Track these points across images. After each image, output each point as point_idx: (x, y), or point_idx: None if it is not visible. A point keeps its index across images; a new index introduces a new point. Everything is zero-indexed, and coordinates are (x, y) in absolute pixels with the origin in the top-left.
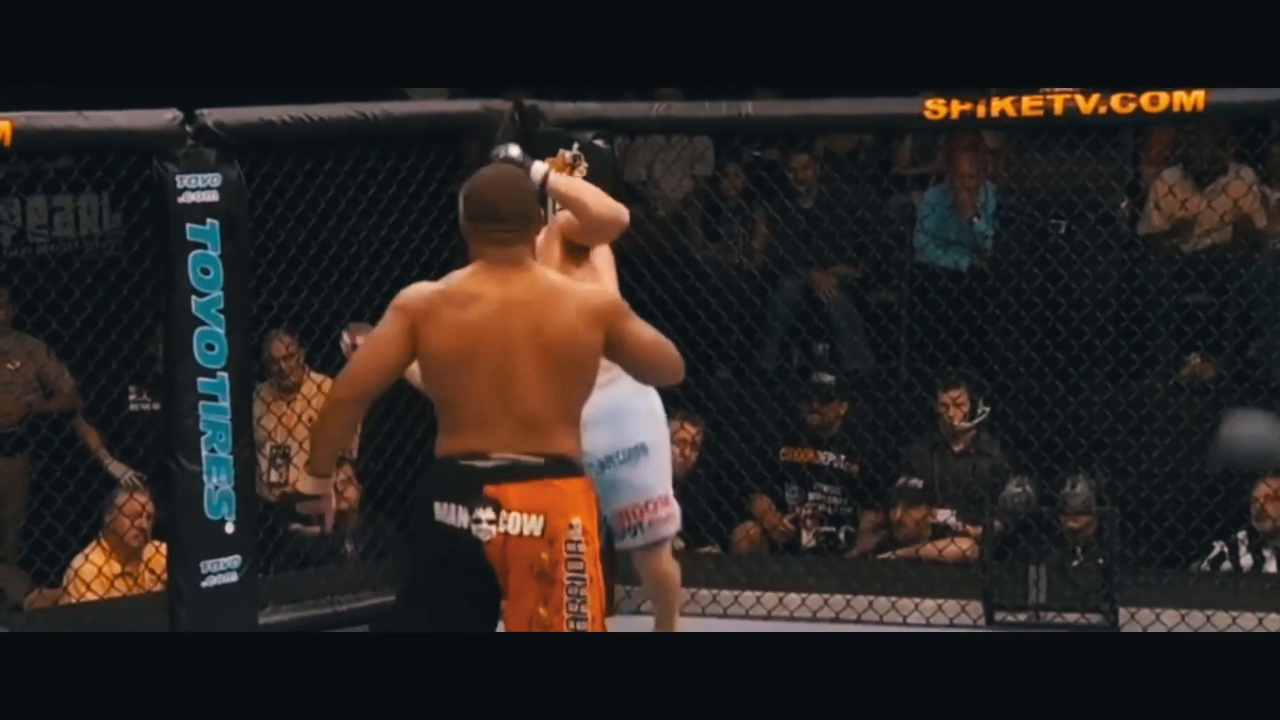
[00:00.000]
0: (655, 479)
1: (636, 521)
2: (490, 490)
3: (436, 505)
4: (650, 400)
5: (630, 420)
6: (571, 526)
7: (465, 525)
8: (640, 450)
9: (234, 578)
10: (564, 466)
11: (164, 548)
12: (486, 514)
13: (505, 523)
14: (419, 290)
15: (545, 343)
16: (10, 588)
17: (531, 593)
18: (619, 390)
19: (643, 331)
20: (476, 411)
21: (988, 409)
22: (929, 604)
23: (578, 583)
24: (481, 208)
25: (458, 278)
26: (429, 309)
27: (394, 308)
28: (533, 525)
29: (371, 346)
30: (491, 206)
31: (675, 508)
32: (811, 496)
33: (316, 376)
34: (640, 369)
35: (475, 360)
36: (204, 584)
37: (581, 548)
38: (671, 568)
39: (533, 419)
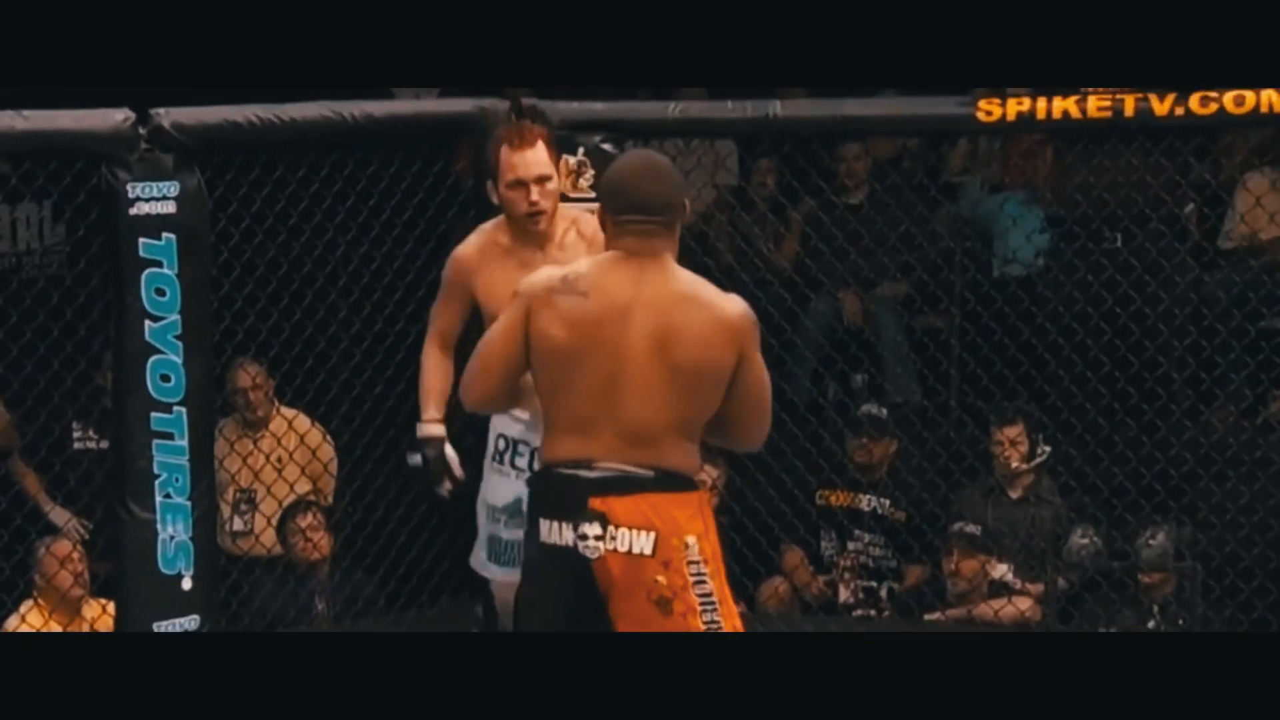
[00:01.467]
0: None
1: None
2: (596, 503)
3: (543, 524)
4: None
5: None
6: (688, 546)
7: (570, 543)
8: None
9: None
10: (677, 481)
11: (111, 606)
12: (593, 529)
13: (614, 539)
14: (541, 273)
15: (670, 351)
16: None
17: (653, 621)
18: None
19: (762, 369)
20: (579, 413)
21: (1048, 449)
22: None
23: (709, 609)
24: (623, 197)
25: (586, 264)
26: (547, 294)
27: (514, 294)
28: (643, 543)
29: (491, 342)
30: (635, 196)
31: None
32: (851, 546)
33: (288, 412)
34: (736, 416)
35: (585, 357)
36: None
37: (704, 568)
38: None
39: (641, 429)
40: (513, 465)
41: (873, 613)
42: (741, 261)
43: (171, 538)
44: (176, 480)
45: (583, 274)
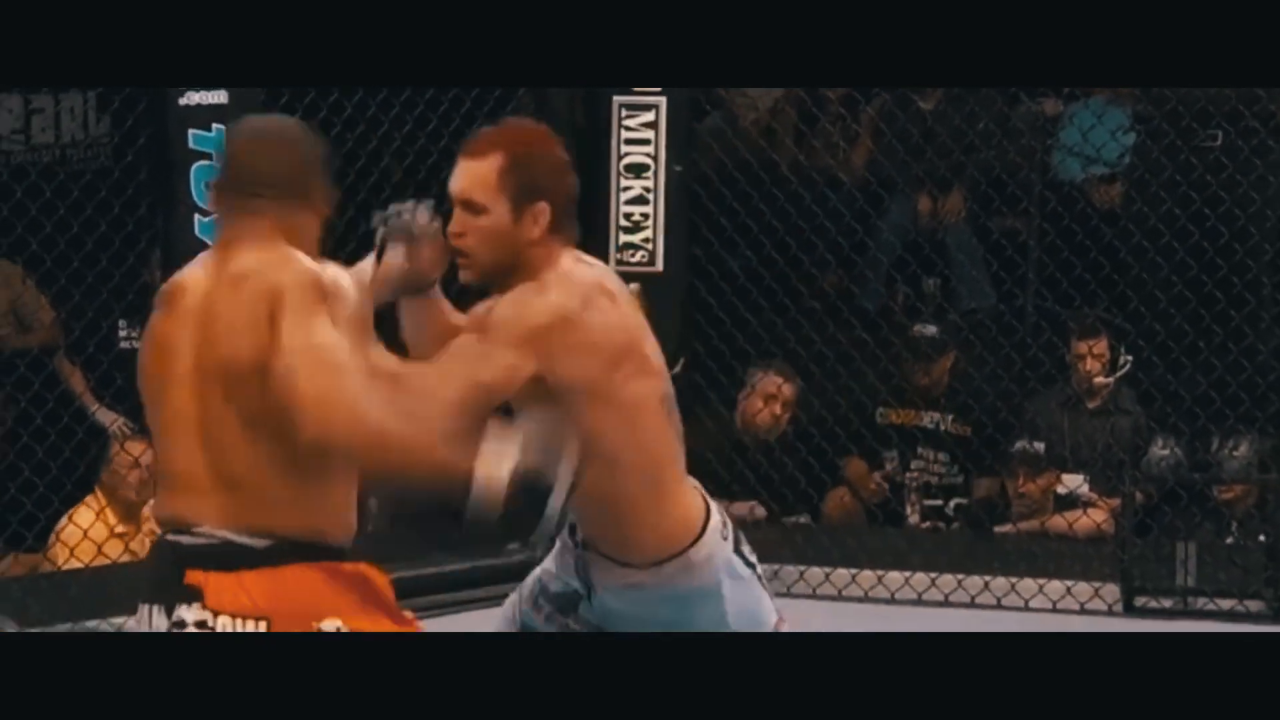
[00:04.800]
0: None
1: None
2: (193, 578)
3: (140, 609)
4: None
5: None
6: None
7: (165, 630)
8: None
9: None
10: (304, 550)
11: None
12: (191, 613)
13: (214, 628)
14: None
15: (220, 360)
16: None
17: None
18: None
19: (315, 335)
20: (180, 463)
21: (1130, 359)
22: (1056, 585)
23: None
24: (232, 168)
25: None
26: (155, 306)
27: None
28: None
29: None
30: (244, 165)
31: None
32: (914, 465)
33: None
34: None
35: (166, 385)
36: None
37: None
38: None
39: (239, 478)
40: None
41: (941, 525)
42: (811, 160)
43: None
44: None
45: (174, 277)
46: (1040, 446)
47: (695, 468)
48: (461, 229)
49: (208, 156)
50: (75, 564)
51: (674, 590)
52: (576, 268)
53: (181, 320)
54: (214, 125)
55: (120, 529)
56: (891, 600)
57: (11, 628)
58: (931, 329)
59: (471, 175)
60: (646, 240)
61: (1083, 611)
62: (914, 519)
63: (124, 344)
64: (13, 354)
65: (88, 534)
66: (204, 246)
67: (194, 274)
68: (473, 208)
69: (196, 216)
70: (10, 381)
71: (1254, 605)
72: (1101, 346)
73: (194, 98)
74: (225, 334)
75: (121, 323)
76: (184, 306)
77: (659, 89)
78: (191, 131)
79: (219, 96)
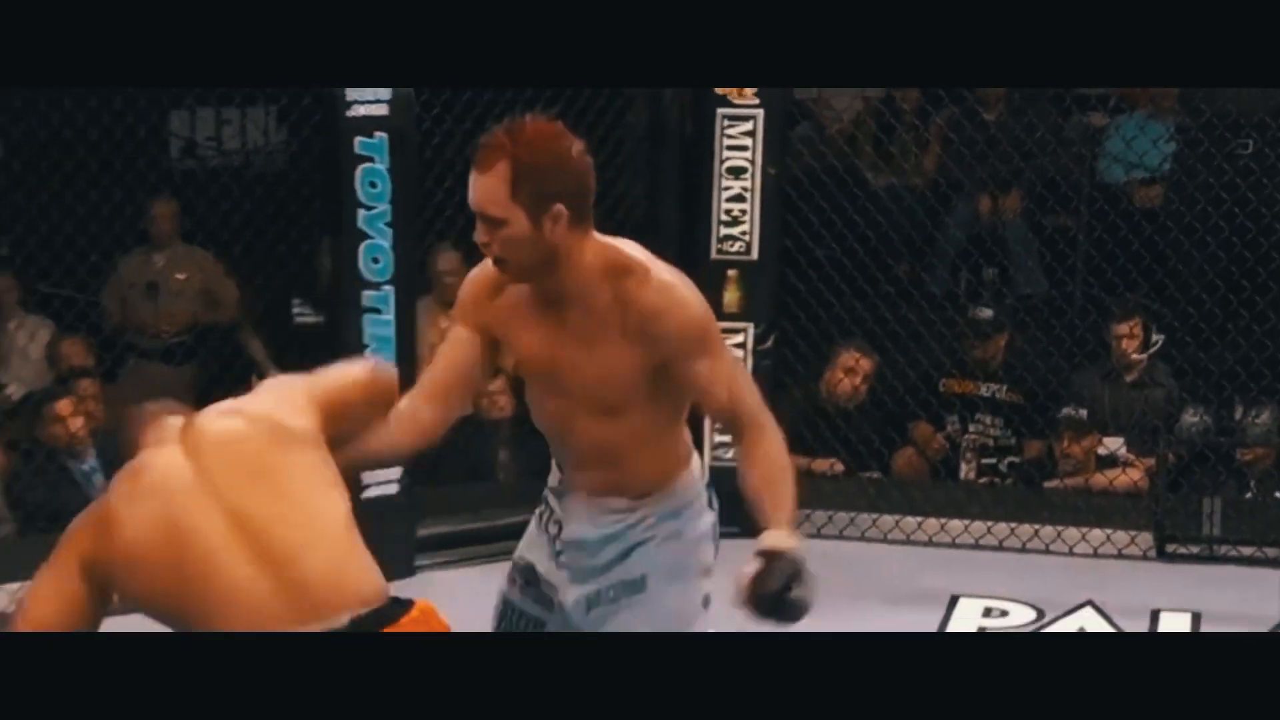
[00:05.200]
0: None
1: None
2: None
3: None
4: (689, 525)
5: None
6: None
7: None
8: (634, 587)
9: (394, 489)
10: None
11: None
12: None
13: None
14: None
15: None
16: None
17: None
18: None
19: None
20: None
21: (1162, 338)
22: (1097, 534)
23: None
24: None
25: None
26: None
27: None
28: None
29: None
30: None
31: None
32: (972, 428)
33: None
34: None
35: None
36: (365, 495)
37: None
38: None
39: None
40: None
41: (996, 480)
42: (888, 164)
43: None
44: (384, 350)
45: None
46: (1084, 413)
47: (785, 430)
48: (487, 239)
49: (371, 160)
50: None
51: (666, 508)
52: (638, 255)
53: None
54: (376, 133)
55: None
56: (952, 545)
57: None
58: (989, 311)
59: (483, 190)
60: (744, 233)
61: (1120, 556)
62: (971, 475)
63: (297, 319)
64: (205, 328)
65: None
66: (366, 237)
67: None
68: (491, 221)
69: (360, 210)
70: (203, 351)
71: (1271, 552)
72: (1138, 328)
73: (360, 110)
74: None
75: (294, 301)
76: None
77: (757, 102)
78: (358, 139)
79: (381, 109)
